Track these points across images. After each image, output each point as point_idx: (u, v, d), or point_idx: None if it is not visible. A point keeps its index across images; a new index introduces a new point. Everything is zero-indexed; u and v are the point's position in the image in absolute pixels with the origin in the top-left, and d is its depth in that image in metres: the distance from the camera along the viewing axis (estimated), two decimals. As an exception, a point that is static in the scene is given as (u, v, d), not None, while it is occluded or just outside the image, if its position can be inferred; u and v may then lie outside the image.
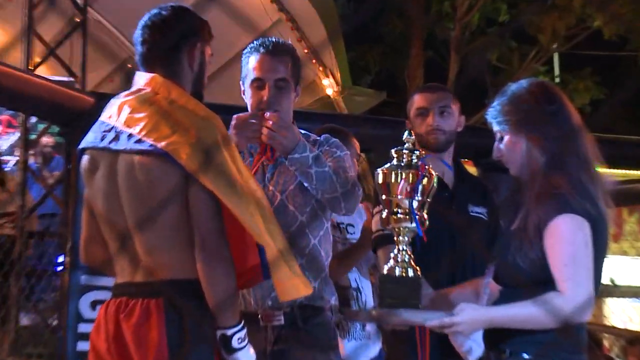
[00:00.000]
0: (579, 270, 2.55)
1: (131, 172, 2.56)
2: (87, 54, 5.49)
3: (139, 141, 2.55)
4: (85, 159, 2.69)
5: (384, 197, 2.78)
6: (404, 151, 2.78)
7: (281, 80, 3.10)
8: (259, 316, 3.07)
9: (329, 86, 9.83)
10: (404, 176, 2.74)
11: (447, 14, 14.19)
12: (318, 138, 3.20)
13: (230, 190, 2.50)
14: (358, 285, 3.99)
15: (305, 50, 9.27)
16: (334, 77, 9.79)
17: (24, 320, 5.66)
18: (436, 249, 3.44)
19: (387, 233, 3.14)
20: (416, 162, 2.76)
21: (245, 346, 2.56)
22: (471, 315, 2.61)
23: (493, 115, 2.78)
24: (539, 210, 2.63)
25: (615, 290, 6.17)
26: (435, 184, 2.78)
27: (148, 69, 2.68)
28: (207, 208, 2.51)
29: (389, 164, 2.78)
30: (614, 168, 5.83)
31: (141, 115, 2.58)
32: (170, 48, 2.66)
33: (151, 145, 2.52)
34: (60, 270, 5.39)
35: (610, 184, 2.71)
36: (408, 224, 2.76)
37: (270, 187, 3.11)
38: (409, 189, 2.72)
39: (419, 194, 2.74)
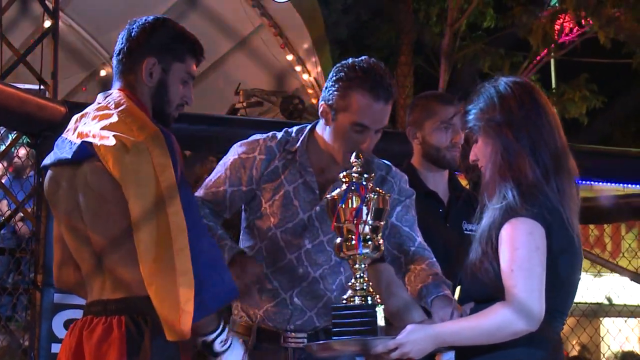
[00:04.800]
0: (527, 276, 2.41)
1: (84, 185, 2.55)
2: (58, 61, 5.31)
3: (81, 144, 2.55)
4: (47, 177, 2.67)
5: (334, 224, 2.63)
6: (353, 175, 2.61)
7: (382, 128, 2.94)
8: (280, 336, 3.00)
9: (314, 95, 9.70)
10: (347, 202, 2.59)
11: (437, 16, 14.09)
12: (384, 170, 3.05)
13: (140, 206, 2.43)
14: None
15: (290, 57, 9.16)
16: (319, 86, 9.66)
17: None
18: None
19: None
20: (353, 186, 2.59)
21: (229, 347, 2.55)
22: (416, 335, 2.46)
23: (466, 117, 2.64)
24: (488, 220, 2.51)
25: (612, 310, 6.07)
26: (387, 206, 2.63)
27: (115, 78, 2.69)
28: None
29: (337, 189, 2.62)
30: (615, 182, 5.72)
31: (89, 128, 2.59)
32: (127, 58, 2.66)
33: (90, 150, 2.51)
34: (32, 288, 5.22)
35: (579, 200, 2.55)
36: (364, 251, 2.60)
37: (316, 223, 2.98)
38: (352, 215, 2.57)
39: (367, 218, 2.58)
